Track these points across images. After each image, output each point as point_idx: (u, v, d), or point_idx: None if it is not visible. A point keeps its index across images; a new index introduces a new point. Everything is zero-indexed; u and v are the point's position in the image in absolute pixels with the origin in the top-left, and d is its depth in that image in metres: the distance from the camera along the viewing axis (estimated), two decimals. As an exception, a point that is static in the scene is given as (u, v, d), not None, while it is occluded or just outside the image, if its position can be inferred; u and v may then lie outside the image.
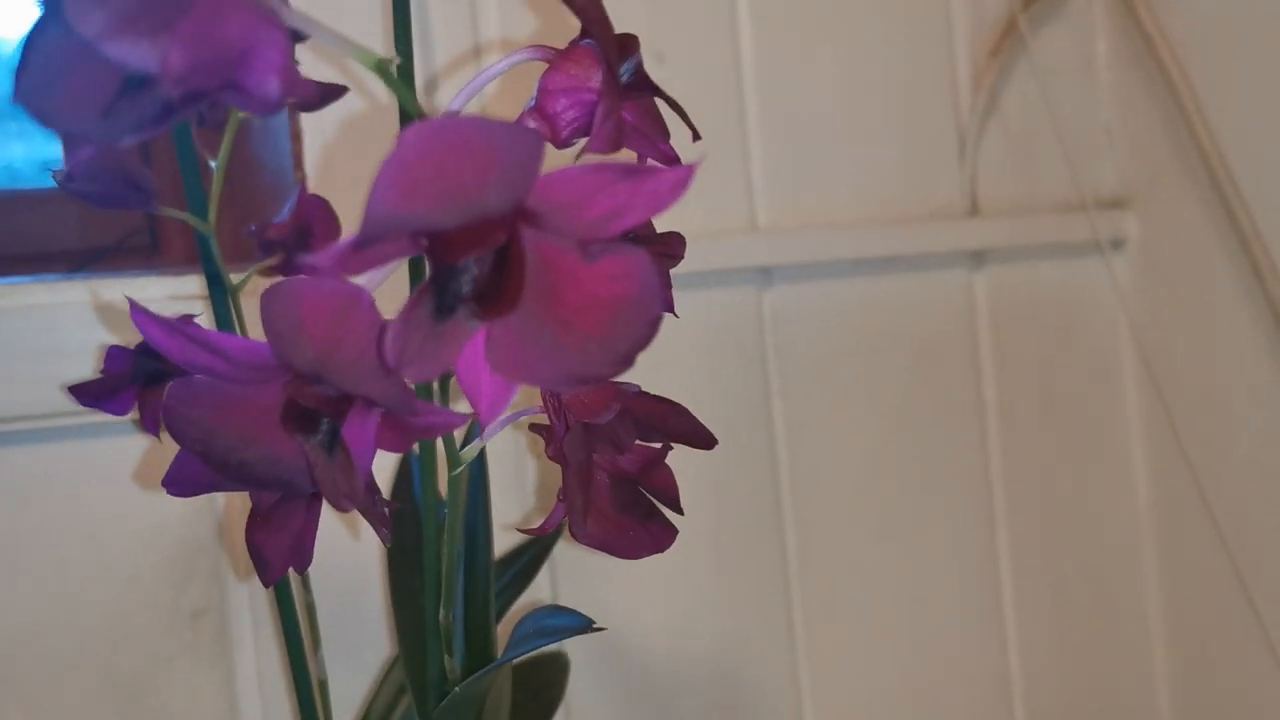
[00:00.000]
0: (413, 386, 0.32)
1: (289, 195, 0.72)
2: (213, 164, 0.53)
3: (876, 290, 0.84)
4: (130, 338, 0.61)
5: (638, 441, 0.40)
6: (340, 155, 0.69)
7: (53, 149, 0.83)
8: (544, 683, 0.64)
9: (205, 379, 0.30)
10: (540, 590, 0.72)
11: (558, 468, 0.70)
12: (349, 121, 0.69)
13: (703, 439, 0.40)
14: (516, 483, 0.71)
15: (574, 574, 0.72)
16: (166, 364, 0.52)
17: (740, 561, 0.79)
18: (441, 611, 0.46)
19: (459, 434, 0.43)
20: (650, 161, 0.34)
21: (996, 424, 0.89)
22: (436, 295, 0.26)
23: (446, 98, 0.72)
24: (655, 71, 0.35)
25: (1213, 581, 0.90)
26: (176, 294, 0.63)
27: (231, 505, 0.65)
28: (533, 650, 0.46)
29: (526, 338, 0.27)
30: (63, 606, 0.62)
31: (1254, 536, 0.87)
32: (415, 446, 0.54)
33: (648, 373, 0.37)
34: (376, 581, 0.68)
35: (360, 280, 0.29)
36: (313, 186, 0.67)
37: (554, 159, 0.27)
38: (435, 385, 0.43)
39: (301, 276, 0.28)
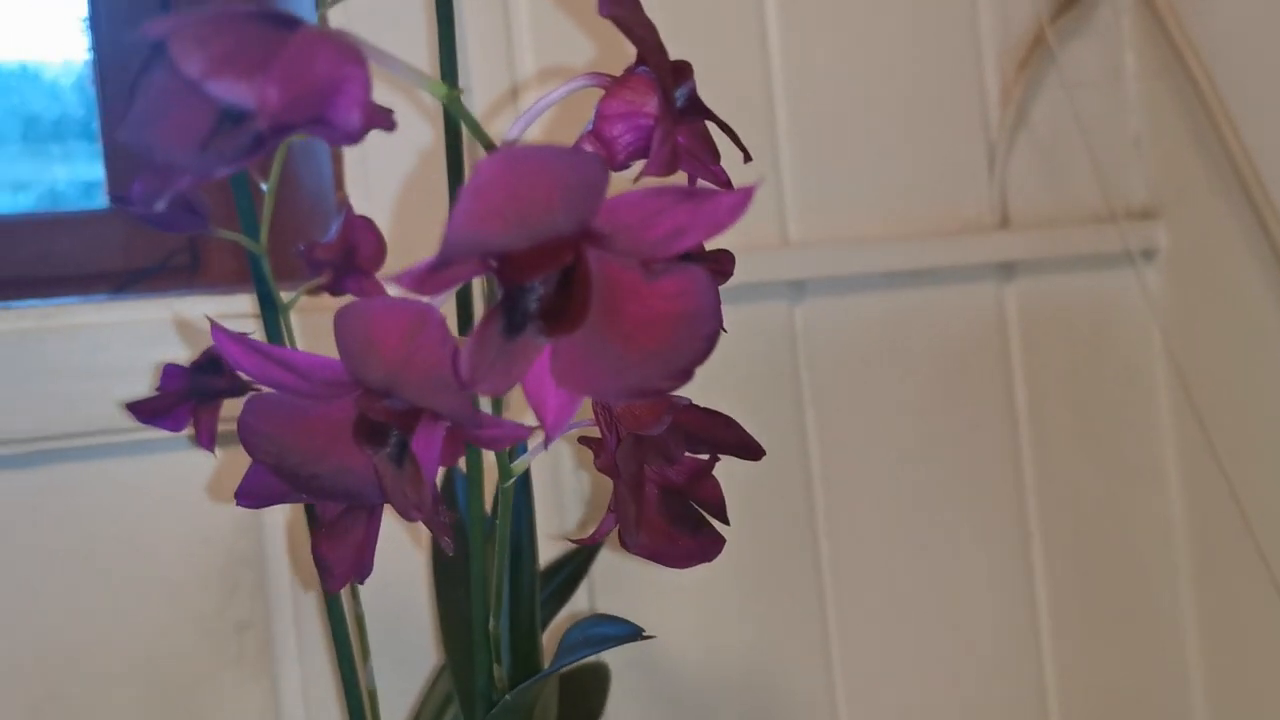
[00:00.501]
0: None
1: (328, 214, 0.74)
2: (264, 186, 0.54)
3: (908, 303, 0.85)
4: (179, 355, 0.62)
5: (686, 453, 0.41)
6: (379, 176, 0.71)
7: (94, 171, 0.85)
8: (585, 692, 0.65)
9: (279, 395, 0.32)
10: (578, 601, 0.73)
11: (598, 479, 0.71)
12: (388, 142, 0.70)
13: (751, 450, 0.41)
14: (555, 494, 0.72)
15: (611, 585, 0.73)
16: (222, 381, 0.54)
17: (774, 572, 0.79)
18: (490, 621, 0.47)
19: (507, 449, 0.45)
20: (701, 183, 0.35)
21: (1029, 436, 0.89)
22: (507, 314, 0.27)
23: (488, 131, 0.73)
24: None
25: (1248, 591, 0.90)
26: (224, 313, 0.64)
27: (292, 520, 0.66)
28: (582, 659, 0.47)
29: (591, 353, 0.28)
30: (110, 620, 0.63)
31: (1288, 545, 0.87)
32: (460, 461, 0.55)
33: (682, 388, 0.38)
34: (422, 592, 0.69)
35: (427, 298, 0.30)
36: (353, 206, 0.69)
37: (611, 181, 0.29)
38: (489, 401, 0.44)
39: (371, 295, 0.29)
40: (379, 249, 0.59)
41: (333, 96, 0.26)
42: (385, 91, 0.68)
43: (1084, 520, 0.91)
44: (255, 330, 0.63)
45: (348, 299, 0.60)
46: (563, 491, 0.73)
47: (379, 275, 0.56)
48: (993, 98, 0.89)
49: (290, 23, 0.26)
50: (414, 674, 0.68)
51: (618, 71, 0.34)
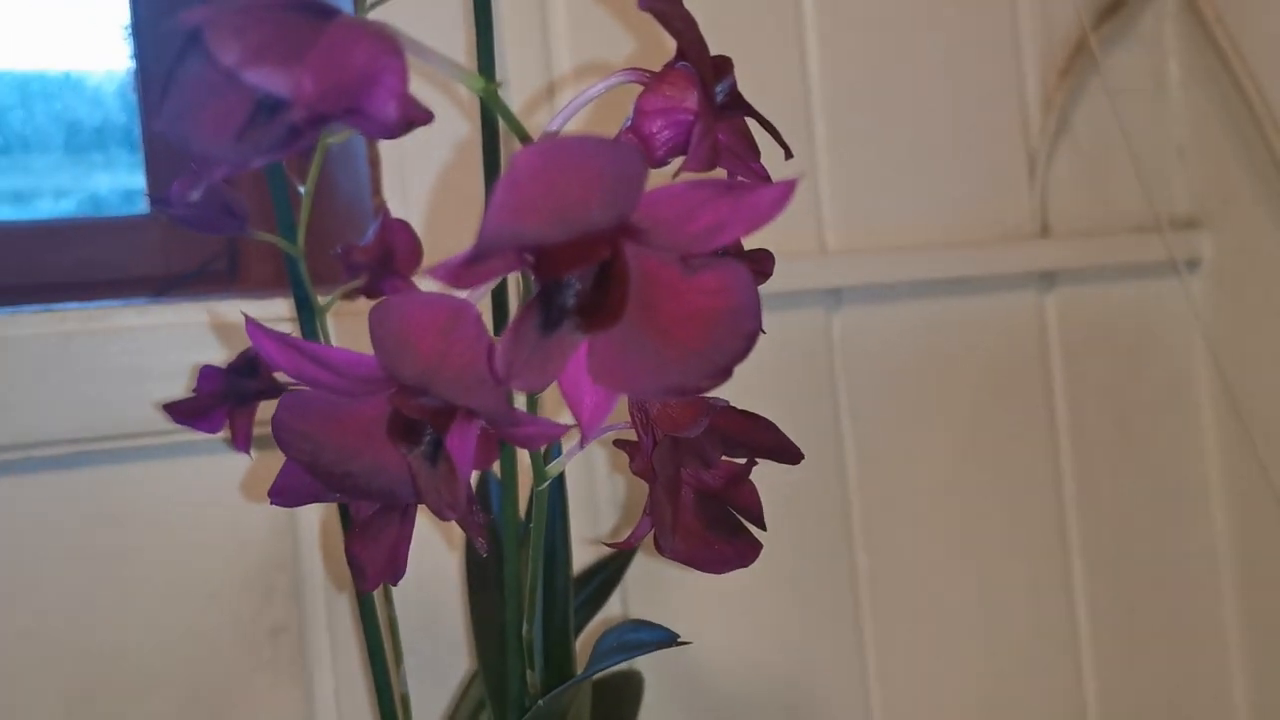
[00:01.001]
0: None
1: (365, 218, 0.74)
2: (301, 189, 0.54)
3: (947, 312, 0.84)
4: (217, 358, 0.62)
5: (723, 457, 0.41)
6: (416, 179, 0.71)
7: (135, 179, 0.86)
8: (618, 699, 0.64)
9: (314, 392, 0.32)
10: (611, 607, 0.72)
11: (633, 483, 0.70)
12: (426, 145, 0.71)
13: (789, 454, 0.40)
14: (589, 499, 0.72)
15: (646, 591, 0.73)
16: (258, 383, 0.54)
17: (811, 582, 0.79)
18: (525, 626, 0.47)
19: (542, 450, 0.44)
20: (741, 179, 0.35)
21: (1069, 447, 0.88)
22: (543, 309, 0.27)
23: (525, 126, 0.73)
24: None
25: (1294, 606, 0.88)
26: (263, 316, 0.64)
27: (325, 520, 0.66)
28: (616, 664, 0.47)
29: (628, 349, 0.28)
30: (146, 623, 0.63)
31: (1337, 561, 0.85)
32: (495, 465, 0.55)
33: (717, 392, 0.38)
34: (456, 596, 0.69)
35: (461, 295, 0.30)
36: (390, 210, 0.69)
37: (649, 178, 0.28)
38: (523, 400, 0.44)
39: (409, 292, 0.28)
40: (415, 252, 0.59)
41: (369, 87, 0.25)
42: (423, 88, 0.68)
43: (1125, 533, 0.90)
44: (293, 333, 0.63)
45: (384, 302, 0.60)
46: (598, 496, 0.72)
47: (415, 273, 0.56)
48: (1034, 105, 0.88)
49: (328, 13, 0.26)
50: (447, 679, 0.68)
51: (656, 68, 0.34)
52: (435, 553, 0.68)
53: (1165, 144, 0.93)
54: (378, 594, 0.57)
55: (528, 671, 0.48)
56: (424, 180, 0.71)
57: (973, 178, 0.86)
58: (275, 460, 0.35)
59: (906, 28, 0.84)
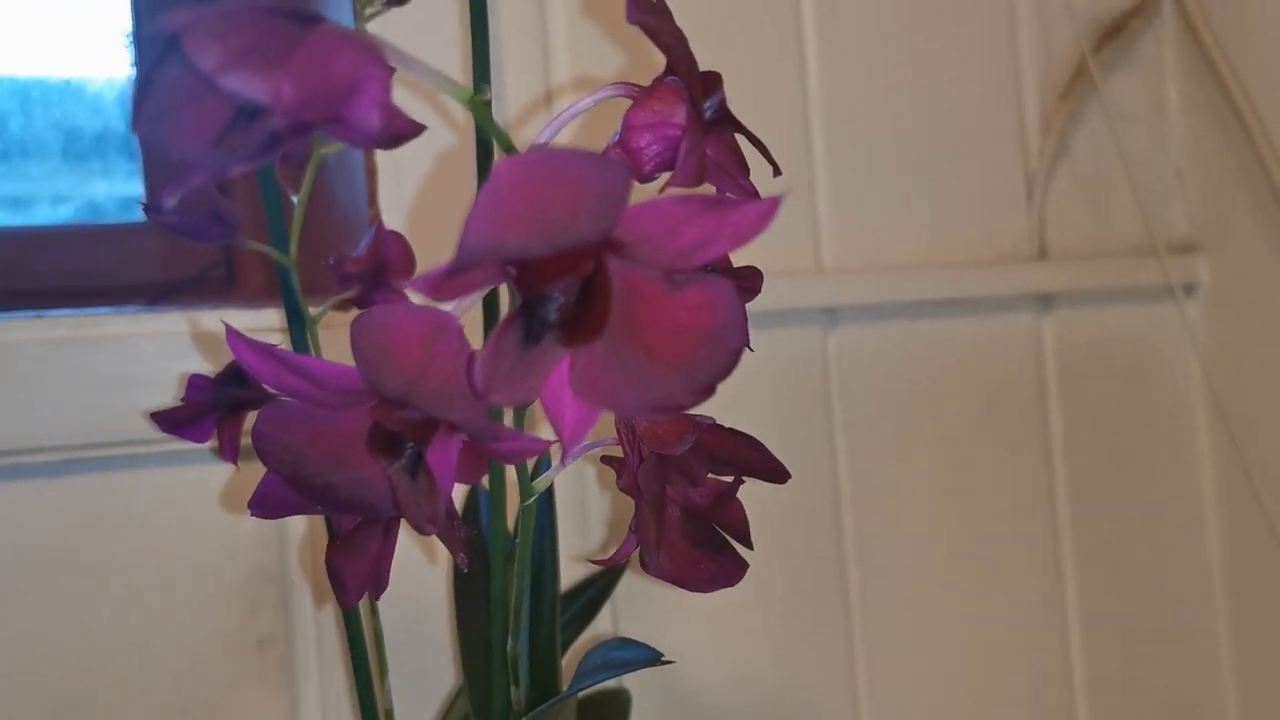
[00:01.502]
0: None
1: (361, 229, 0.74)
2: (294, 198, 0.54)
3: (943, 332, 0.84)
4: (208, 368, 0.62)
5: (710, 475, 0.40)
6: (413, 191, 0.71)
7: (133, 187, 0.86)
8: (604, 717, 0.64)
9: (295, 404, 0.31)
10: (601, 624, 0.72)
11: (623, 501, 0.70)
12: (422, 158, 0.70)
13: (776, 473, 0.40)
14: (580, 516, 0.72)
15: (635, 609, 0.72)
16: (246, 393, 0.53)
17: (802, 600, 0.78)
18: (510, 642, 0.46)
19: (529, 465, 0.44)
20: (729, 195, 0.34)
21: (1064, 469, 0.88)
22: (525, 322, 0.27)
23: (520, 138, 0.73)
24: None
25: (1288, 634, 0.87)
26: (254, 326, 0.64)
27: (310, 532, 0.66)
28: (601, 682, 0.46)
29: (610, 365, 0.27)
30: (134, 632, 0.63)
31: (1332, 589, 0.85)
32: (484, 479, 0.54)
33: (711, 411, 0.37)
34: (442, 611, 0.68)
35: (447, 307, 0.29)
36: (385, 221, 0.69)
37: (636, 193, 0.28)
38: (510, 414, 0.44)
39: (391, 304, 0.28)
40: (408, 263, 0.59)
41: (351, 96, 0.25)
42: (417, 100, 0.68)
43: (1119, 557, 0.89)
44: (282, 344, 0.63)
45: (376, 314, 0.60)
46: (588, 513, 0.72)
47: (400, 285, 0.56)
48: (1033, 127, 0.88)
49: (310, 20, 0.26)
50: (432, 693, 0.68)
51: (646, 82, 0.33)
52: (422, 566, 0.68)
53: (1163, 168, 0.93)
54: (363, 607, 0.56)
55: (512, 688, 0.48)
56: (419, 191, 0.71)
57: (971, 199, 0.86)
58: (259, 471, 0.35)
59: (906, 48, 0.84)
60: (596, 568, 0.66)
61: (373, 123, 0.25)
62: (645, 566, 0.40)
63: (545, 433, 0.61)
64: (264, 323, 0.65)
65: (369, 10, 0.55)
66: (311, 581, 0.66)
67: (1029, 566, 0.86)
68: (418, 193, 0.71)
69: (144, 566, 0.63)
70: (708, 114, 0.33)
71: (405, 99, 0.67)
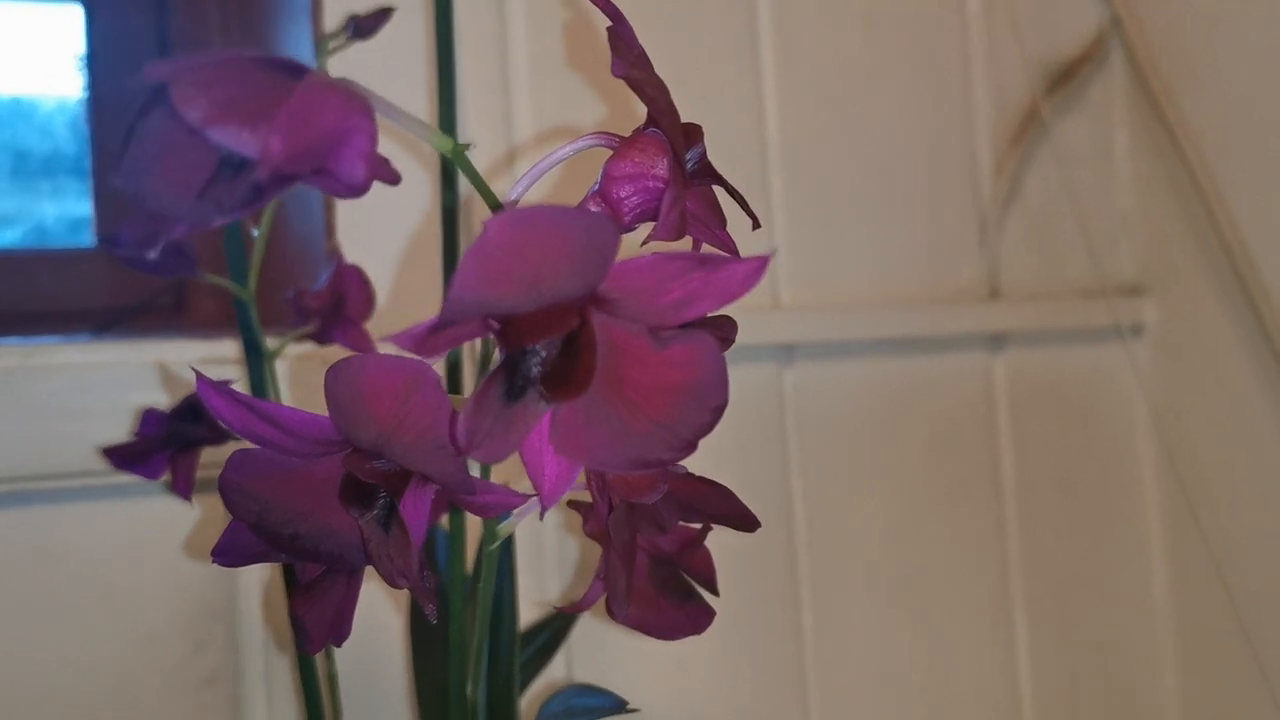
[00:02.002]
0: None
1: (317, 260, 0.73)
2: (254, 232, 0.53)
3: (897, 370, 0.85)
4: (160, 398, 0.61)
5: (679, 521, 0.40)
6: (372, 224, 0.70)
7: (82, 208, 0.84)
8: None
9: (263, 451, 0.31)
10: (556, 667, 0.71)
11: (585, 543, 0.69)
12: (382, 193, 0.70)
13: (746, 521, 0.40)
14: (536, 558, 0.71)
15: (589, 651, 0.72)
16: (201, 430, 0.52)
17: (756, 640, 0.78)
18: (469, 686, 0.46)
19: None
20: (706, 247, 0.34)
21: (1014, 507, 0.88)
22: (508, 378, 0.26)
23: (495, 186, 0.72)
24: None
25: (1233, 671, 0.89)
26: (208, 357, 0.63)
27: (263, 570, 0.64)
28: (562, 730, 0.46)
29: (592, 420, 0.27)
30: (77, 666, 0.61)
31: (1276, 626, 0.86)
32: (444, 520, 0.54)
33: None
34: (398, 653, 0.67)
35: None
36: (345, 254, 0.68)
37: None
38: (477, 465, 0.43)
39: (367, 353, 0.28)
40: (368, 299, 0.59)
41: (338, 148, 0.25)
42: (382, 142, 0.68)
43: (1068, 594, 0.90)
44: (239, 377, 0.62)
45: (335, 348, 0.59)
46: (544, 554, 0.71)
47: (377, 336, 0.55)
48: (985, 170, 0.90)
49: (295, 70, 0.26)
50: (386, 737, 0.66)
51: (617, 132, 0.33)
52: (378, 608, 0.67)
53: (1111, 212, 0.95)
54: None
55: (471, 734, 0.47)
56: (379, 225, 0.70)
57: (926, 239, 0.87)
58: (216, 506, 0.34)
59: (863, 92, 0.85)
60: (550, 609, 0.65)
61: (358, 175, 0.25)
62: (613, 615, 0.39)
63: (512, 480, 0.61)
64: (219, 354, 0.63)
65: (333, 44, 0.55)
66: (269, 625, 0.64)
67: (979, 604, 0.87)
68: (376, 225, 0.70)
69: (90, 600, 0.62)
70: (689, 166, 0.33)
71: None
